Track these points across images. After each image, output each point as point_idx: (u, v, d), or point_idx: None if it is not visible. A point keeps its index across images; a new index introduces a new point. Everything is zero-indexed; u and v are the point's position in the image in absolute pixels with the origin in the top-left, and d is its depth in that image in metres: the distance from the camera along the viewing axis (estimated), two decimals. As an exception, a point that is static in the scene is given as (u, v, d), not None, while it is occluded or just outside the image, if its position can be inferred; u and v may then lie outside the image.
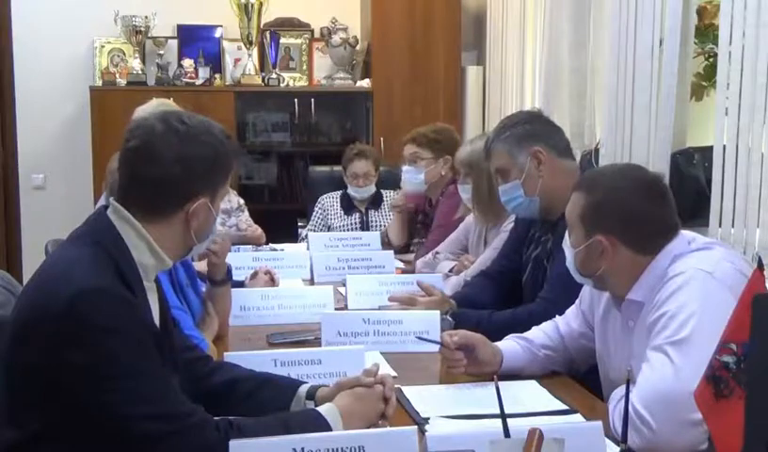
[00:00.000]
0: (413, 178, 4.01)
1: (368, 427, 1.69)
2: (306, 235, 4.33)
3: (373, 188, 4.48)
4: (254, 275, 3.14)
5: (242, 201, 4.48)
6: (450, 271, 3.27)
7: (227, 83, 5.81)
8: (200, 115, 1.74)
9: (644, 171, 2.08)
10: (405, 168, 4.06)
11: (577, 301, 2.24)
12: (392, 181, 4.59)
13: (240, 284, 3.04)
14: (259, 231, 4.34)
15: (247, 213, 4.46)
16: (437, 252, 3.50)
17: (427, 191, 4.07)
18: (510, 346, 2.22)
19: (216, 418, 1.60)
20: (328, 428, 1.62)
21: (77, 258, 1.58)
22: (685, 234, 1.97)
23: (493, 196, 3.18)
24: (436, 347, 2.41)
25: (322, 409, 1.68)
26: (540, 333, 2.26)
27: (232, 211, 4.38)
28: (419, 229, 4.14)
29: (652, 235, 1.93)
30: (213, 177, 1.71)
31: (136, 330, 1.53)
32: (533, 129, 2.63)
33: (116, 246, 1.61)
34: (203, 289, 2.68)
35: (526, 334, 2.26)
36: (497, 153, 2.66)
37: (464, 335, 2.16)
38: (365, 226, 4.45)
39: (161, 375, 1.57)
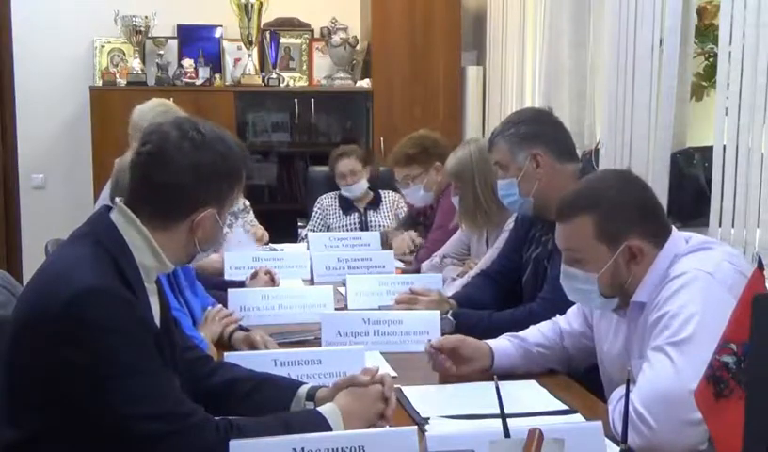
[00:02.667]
0: (414, 196, 4.01)
1: (368, 427, 1.69)
2: (306, 235, 4.33)
3: (364, 184, 4.49)
4: (254, 275, 3.14)
5: (248, 203, 4.47)
6: (456, 276, 3.27)
7: (227, 83, 5.81)
8: (214, 124, 1.74)
9: (615, 169, 2.10)
10: (403, 191, 4.07)
11: None
12: (391, 182, 4.59)
13: (240, 284, 3.04)
14: (261, 230, 4.34)
15: (252, 214, 4.46)
16: (444, 256, 3.50)
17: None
18: (502, 343, 2.23)
19: (216, 418, 1.60)
20: (329, 428, 1.62)
21: (77, 258, 1.58)
22: (681, 233, 1.97)
23: (479, 204, 3.20)
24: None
25: (322, 409, 1.68)
26: (535, 331, 2.26)
27: (239, 213, 4.37)
28: (420, 230, 4.14)
29: (663, 221, 1.94)
30: (223, 188, 1.70)
31: (135, 330, 1.53)
32: (537, 130, 2.62)
33: (117, 246, 1.61)
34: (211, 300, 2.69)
35: (521, 333, 2.27)
36: (498, 147, 2.66)
37: (441, 339, 2.20)
38: (364, 226, 4.45)
39: (161, 374, 1.57)
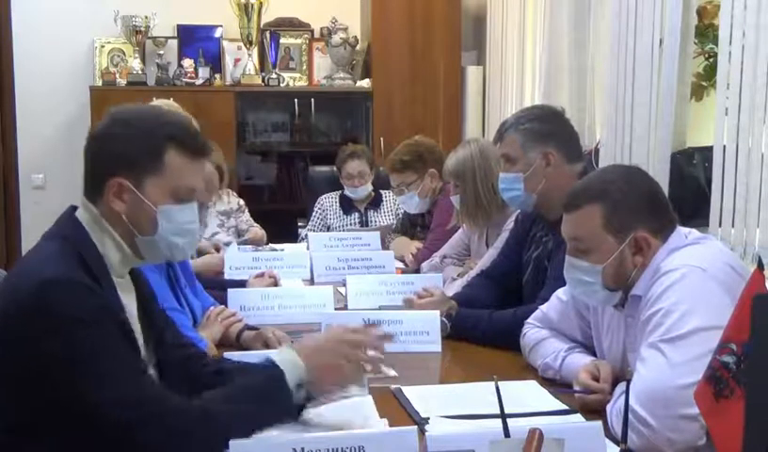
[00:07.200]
0: (410, 203, 3.98)
1: (342, 368, 1.74)
2: (306, 235, 4.33)
3: (369, 187, 4.48)
4: (260, 275, 3.14)
5: (242, 202, 4.48)
6: (457, 276, 3.27)
7: (227, 83, 5.81)
8: (157, 106, 1.76)
9: (623, 165, 2.09)
10: (399, 198, 4.06)
11: (566, 300, 2.22)
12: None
13: (240, 284, 3.03)
14: (261, 231, 4.34)
15: (247, 213, 4.46)
16: (444, 256, 3.49)
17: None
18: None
19: (190, 402, 1.60)
20: (283, 374, 1.68)
21: (43, 255, 1.61)
22: (682, 228, 1.97)
23: (480, 203, 3.20)
24: (438, 347, 2.43)
25: (276, 356, 1.73)
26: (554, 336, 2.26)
27: (231, 212, 4.37)
28: (418, 232, 4.13)
29: (669, 215, 1.94)
30: (130, 157, 1.64)
31: (100, 317, 1.53)
32: (552, 129, 2.61)
33: (81, 240, 1.63)
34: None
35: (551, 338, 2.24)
36: (510, 140, 2.63)
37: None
38: (365, 226, 4.44)
39: (130, 361, 1.57)
